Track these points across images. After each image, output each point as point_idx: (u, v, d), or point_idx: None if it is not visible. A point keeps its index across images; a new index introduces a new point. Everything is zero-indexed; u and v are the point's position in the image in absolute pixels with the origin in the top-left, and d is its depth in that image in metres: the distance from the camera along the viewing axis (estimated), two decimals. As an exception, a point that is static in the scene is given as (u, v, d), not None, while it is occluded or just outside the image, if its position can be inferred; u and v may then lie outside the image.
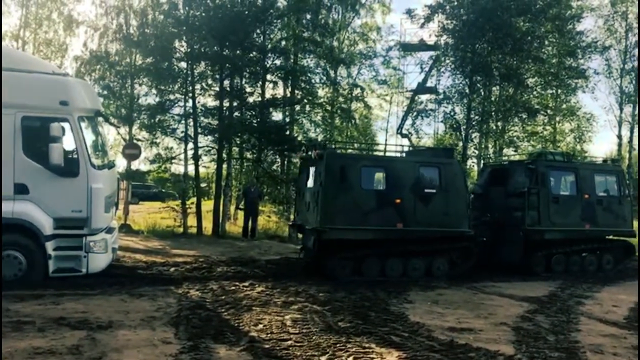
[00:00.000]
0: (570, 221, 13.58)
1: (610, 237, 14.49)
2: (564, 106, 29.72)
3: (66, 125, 9.45)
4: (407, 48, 26.92)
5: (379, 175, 12.45)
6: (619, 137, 32.72)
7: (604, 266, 14.14)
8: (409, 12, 24.38)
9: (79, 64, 23.33)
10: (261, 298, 9.03)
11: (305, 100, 23.96)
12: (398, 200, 11.69)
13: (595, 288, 11.71)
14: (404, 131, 23.07)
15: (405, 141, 22.70)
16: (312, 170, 12.34)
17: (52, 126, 9.07)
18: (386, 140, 36.58)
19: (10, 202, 9.08)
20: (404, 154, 14.01)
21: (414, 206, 11.79)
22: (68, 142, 9.50)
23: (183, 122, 20.01)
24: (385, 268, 11.74)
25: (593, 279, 12.75)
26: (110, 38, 22.87)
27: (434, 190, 12.02)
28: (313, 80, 24.70)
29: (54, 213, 9.35)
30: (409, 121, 23.59)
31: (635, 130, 32.36)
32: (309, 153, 12.82)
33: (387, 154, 13.54)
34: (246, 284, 10.15)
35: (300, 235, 12.43)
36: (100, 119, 10.88)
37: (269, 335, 6.87)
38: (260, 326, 7.27)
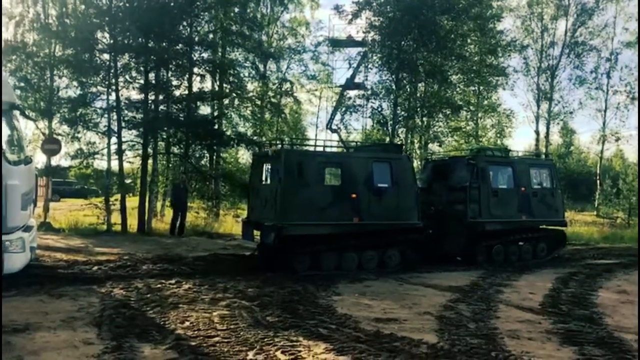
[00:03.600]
0: (509, 213, 14.34)
1: (544, 226, 15.34)
2: (486, 102, 31.00)
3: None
4: (335, 44, 27.25)
5: (335, 171, 12.77)
6: (537, 132, 34.45)
7: (539, 254, 14.98)
8: (337, 8, 24.72)
9: (-9, 53, 22.07)
10: (188, 295, 8.91)
11: (234, 94, 23.70)
12: (354, 195, 11.96)
13: (514, 276, 12.28)
14: (334, 126, 23.24)
15: (335, 136, 22.92)
16: (267, 167, 12.54)
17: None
18: (316, 135, 36.91)
19: None
20: (352, 150, 14.32)
21: (368, 201, 12.12)
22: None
23: (106, 115, 19.33)
24: (341, 261, 11.97)
25: (512, 268, 13.38)
26: (27, 27, 21.81)
27: (386, 185, 12.36)
28: (242, 74, 24.53)
29: (-35, 211, 8.82)
30: (338, 116, 23.87)
31: (552, 125, 34.18)
32: (264, 150, 12.81)
33: (333, 150, 13.87)
34: (173, 281, 9.97)
35: (256, 232, 12.44)
36: (16, 112, 10.32)
37: (195, 332, 6.79)
38: (187, 324, 7.18)
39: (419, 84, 26.01)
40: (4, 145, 9.13)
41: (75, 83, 20.10)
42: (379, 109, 25.06)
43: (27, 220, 9.98)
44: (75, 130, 19.64)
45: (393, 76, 24.56)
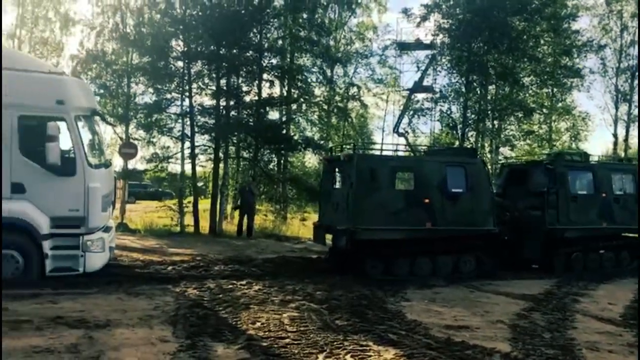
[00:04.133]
0: (589, 219, 13.82)
1: (627, 234, 14.67)
2: (560, 105, 29.88)
3: (63, 124, 9.42)
4: (403, 47, 26.93)
5: (408, 176, 12.77)
6: (615, 135, 32.84)
7: (621, 263, 14.28)
8: (405, 11, 24.49)
9: (75, 63, 23.36)
10: (258, 296, 9.05)
11: (302, 99, 23.98)
12: (427, 200, 11.85)
13: (592, 286, 11.76)
14: (401, 130, 23.07)
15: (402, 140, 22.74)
16: (338, 171, 12.69)
17: (49, 125, 9.03)
18: (382, 139, 36.69)
19: (7, 201, 9.04)
20: (423, 154, 14.25)
21: (442, 205, 11.98)
22: (65, 142, 9.47)
23: (180, 121, 20.04)
24: (414, 267, 11.86)
25: (591, 277, 12.81)
26: (107, 37, 22.86)
27: (460, 190, 12.19)
28: (309, 79, 24.76)
29: (51, 212, 9.31)
30: (405, 120, 23.61)
31: (632, 128, 32.47)
32: (335, 154, 12.99)
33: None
34: (243, 282, 10.16)
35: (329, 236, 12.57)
36: (97, 117, 10.87)
37: (266, 333, 6.89)
38: (258, 324, 7.29)
39: (490, 87, 25.41)
40: (87, 149, 9.63)
41: (150, 90, 20.92)
42: (448, 112, 24.67)
43: (106, 221, 10.49)
44: (151, 135, 20.48)
45: (463, 79, 24.11)
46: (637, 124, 31.23)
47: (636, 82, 31.36)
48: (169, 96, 20.14)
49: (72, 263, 9.43)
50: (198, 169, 21.17)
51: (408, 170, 12.61)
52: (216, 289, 9.55)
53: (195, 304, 8.35)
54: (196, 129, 19.74)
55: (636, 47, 31.63)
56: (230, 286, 9.81)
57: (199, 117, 19.84)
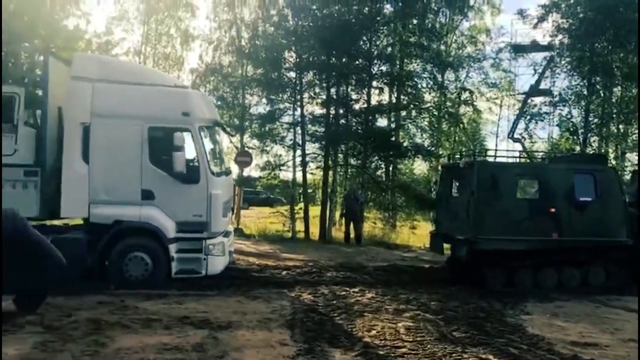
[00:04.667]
0: None
1: None
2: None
3: (188, 134, 9.98)
4: (518, 49, 25.91)
5: (531, 184, 12.30)
6: None
7: None
8: (521, 13, 23.58)
9: (194, 76, 24.74)
10: (372, 304, 9.03)
11: (412, 106, 23.74)
12: (553, 210, 11.33)
13: None
14: (516, 135, 22.20)
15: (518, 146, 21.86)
16: (457, 179, 12.42)
17: (176, 136, 9.60)
18: (496, 144, 35.47)
19: (137, 207, 9.73)
20: (547, 161, 13.60)
21: (569, 215, 11.36)
22: (190, 151, 10.02)
23: (291, 130, 20.58)
24: (537, 278, 11.36)
25: None
26: (224, 51, 24.03)
27: (589, 199, 11.53)
28: (419, 85, 24.47)
29: (176, 217, 9.86)
30: (521, 125, 22.68)
31: None
32: (454, 161, 12.71)
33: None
34: (356, 289, 10.20)
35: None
36: (218, 128, 11.42)
37: (382, 341, 6.86)
38: (374, 332, 7.28)
39: (615, 89, 23.76)
40: (209, 158, 10.13)
41: (264, 100, 21.65)
42: (568, 117, 23.35)
43: (226, 227, 10.95)
44: (264, 143, 21.20)
45: (584, 81, 22.75)
46: None
47: None
48: (281, 106, 20.76)
49: (196, 266, 9.91)
50: (308, 176, 21.56)
51: (532, 178, 12.05)
52: (330, 295, 9.67)
53: (310, 309, 8.50)
54: (307, 138, 20.18)
55: None
56: (343, 293, 9.88)
57: (309, 125, 20.27)
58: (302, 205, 20.74)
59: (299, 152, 20.50)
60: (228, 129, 19.39)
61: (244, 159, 20.32)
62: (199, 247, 9.91)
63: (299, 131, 20.25)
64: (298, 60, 20.06)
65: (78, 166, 9.63)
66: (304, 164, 20.38)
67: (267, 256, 14.63)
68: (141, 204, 9.76)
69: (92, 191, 9.63)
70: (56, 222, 10.21)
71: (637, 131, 24.63)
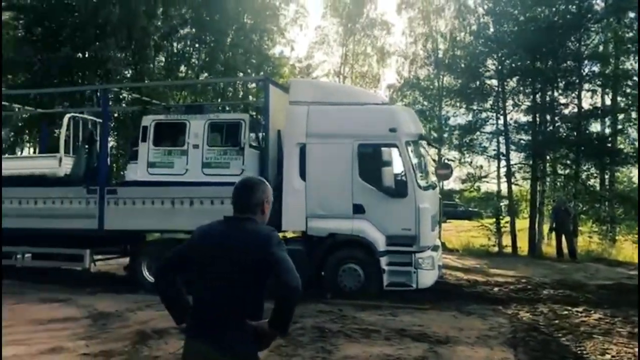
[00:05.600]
0: None
1: None
2: None
3: (395, 150, 10.20)
4: None
5: None
6: None
7: None
8: None
9: (390, 91, 25.29)
10: (601, 326, 8.26)
11: (630, 108, 21.41)
12: None
13: None
14: None
15: None
16: None
17: (384, 151, 9.91)
18: None
19: (350, 220, 10.16)
20: None
21: None
22: (397, 166, 10.22)
23: (494, 140, 19.89)
24: None
25: None
26: (419, 64, 24.20)
27: None
28: (640, 85, 21.98)
29: (386, 231, 10.09)
30: None
31: None
32: None
33: None
34: (579, 309, 9.40)
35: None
36: (423, 142, 11.48)
37: (620, 367, 6.26)
38: (608, 356, 6.66)
39: None
40: (416, 172, 10.21)
41: (463, 110, 21.28)
42: None
43: (434, 241, 10.93)
44: (464, 155, 20.77)
45: None
46: None
47: None
48: (483, 115, 20.20)
49: (406, 279, 10.00)
50: (514, 187, 20.60)
51: None
52: (550, 314, 9.06)
53: (531, 327, 8.04)
54: (511, 147, 19.34)
55: None
56: (565, 312, 9.18)
57: (514, 134, 19.41)
58: (507, 218, 19.85)
59: (502, 162, 19.71)
60: (433, 142, 19.51)
61: (444, 171, 19.94)
62: (409, 261, 9.99)
63: (503, 140, 19.47)
64: (500, 67, 19.38)
65: (296, 183, 10.36)
66: (508, 175, 19.54)
67: (475, 271, 14.25)
68: (353, 218, 10.17)
69: (309, 206, 10.28)
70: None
71: None
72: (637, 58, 21.82)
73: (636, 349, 7.01)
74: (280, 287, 2.77)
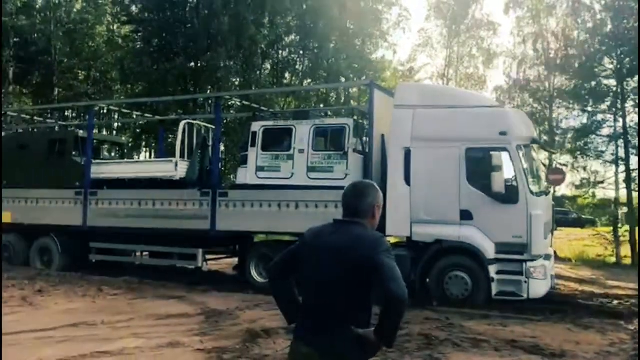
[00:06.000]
0: None
1: None
2: None
3: (505, 154, 9.82)
4: None
5: None
6: None
7: None
8: None
9: (498, 93, 24.45)
10: None
11: None
12: None
13: None
14: None
15: None
16: None
17: (493, 156, 9.56)
18: None
19: (456, 226, 9.90)
20: None
21: None
22: (508, 171, 9.85)
23: (612, 143, 18.68)
24: None
25: None
26: (529, 65, 23.21)
27: None
28: None
29: (495, 238, 9.73)
30: None
31: None
32: None
33: None
34: None
35: None
36: (535, 146, 10.99)
37: None
38: None
39: None
40: (528, 177, 9.79)
41: (575, 112, 20.19)
42: None
43: (547, 249, 10.40)
44: (577, 159, 19.66)
45: None
46: None
47: None
48: (599, 117, 19.05)
49: (516, 288, 9.59)
50: (634, 194, 19.22)
51: None
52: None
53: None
54: (631, 151, 18.03)
55: None
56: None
57: (635, 137, 18.09)
58: (627, 227, 18.53)
59: (621, 167, 18.42)
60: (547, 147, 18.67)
61: (556, 176, 18.91)
62: (520, 270, 9.58)
63: (621, 144, 18.21)
64: (619, 66, 18.16)
65: (401, 188, 10.26)
66: (628, 181, 18.23)
67: (590, 282, 13.46)
68: (460, 224, 9.90)
69: (414, 211, 10.13)
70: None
71: None
72: None
73: None
74: (385, 295, 2.72)
